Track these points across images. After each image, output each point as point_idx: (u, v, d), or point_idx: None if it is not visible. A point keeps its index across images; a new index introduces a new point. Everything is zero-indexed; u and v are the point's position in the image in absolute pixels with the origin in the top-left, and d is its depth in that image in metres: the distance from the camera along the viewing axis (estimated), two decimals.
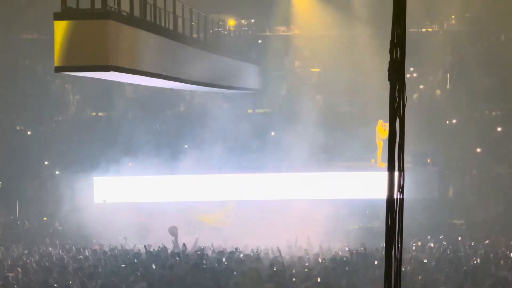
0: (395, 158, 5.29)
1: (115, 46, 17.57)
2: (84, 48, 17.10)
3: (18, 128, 36.88)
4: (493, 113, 36.24)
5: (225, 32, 30.33)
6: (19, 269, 20.68)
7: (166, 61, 21.83)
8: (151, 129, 33.99)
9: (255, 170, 31.41)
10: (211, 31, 27.59)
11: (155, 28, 20.55)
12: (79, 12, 17.07)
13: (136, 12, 19.29)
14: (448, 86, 35.06)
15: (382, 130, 30.99)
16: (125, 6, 18.45)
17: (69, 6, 16.82)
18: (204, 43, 25.86)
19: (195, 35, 25.13)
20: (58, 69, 17.45)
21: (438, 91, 35.47)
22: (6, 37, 35.69)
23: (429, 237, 27.23)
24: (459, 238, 27.43)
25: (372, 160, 31.71)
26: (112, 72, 18.24)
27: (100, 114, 37.37)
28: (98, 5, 17.20)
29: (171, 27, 22.13)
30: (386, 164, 5.38)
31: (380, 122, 31.21)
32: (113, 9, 17.64)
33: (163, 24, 21.34)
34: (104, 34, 17.11)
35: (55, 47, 17.11)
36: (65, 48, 17.00)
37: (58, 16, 16.94)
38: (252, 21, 38.68)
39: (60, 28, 17.01)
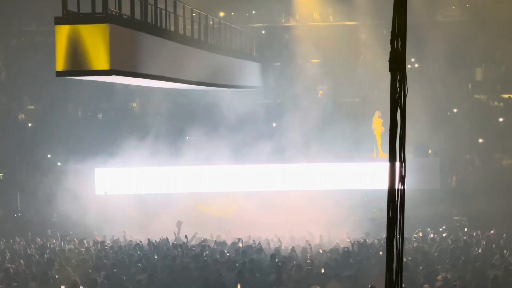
0: (396, 149, 5.29)
1: (117, 50, 17.55)
2: (86, 52, 17.07)
3: (19, 119, 36.90)
4: (495, 103, 36.23)
5: (225, 28, 30.22)
6: (21, 261, 20.71)
7: (167, 63, 21.80)
8: (152, 120, 33.97)
9: (256, 161, 31.41)
10: (212, 30, 27.47)
11: (156, 30, 20.52)
12: (80, 17, 17.01)
13: (137, 15, 19.25)
14: (449, 76, 34.99)
15: (378, 121, 31.06)
16: (125, 9, 18.42)
17: (70, 11, 16.76)
18: (205, 43, 25.84)
19: (196, 35, 25.07)
20: (60, 74, 17.43)
21: (439, 81, 35.39)
22: (6, 29, 35.69)
23: (430, 228, 27.27)
24: (461, 229, 27.46)
25: (374, 155, 31.76)
26: (113, 76, 18.25)
27: (102, 105, 37.36)
28: (99, 9, 17.16)
29: (172, 28, 22.08)
30: (387, 154, 5.39)
31: (377, 113, 31.28)
32: (114, 13, 17.60)
33: (164, 26, 21.30)
34: (105, 39, 17.07)
35: (57, 51, 17.09)
36: (66, 52, 16.98)
37: (59, 21, 16.91)
38: (253, 12, 38.65)
39: (62, 32, 16.98)
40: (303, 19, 36.75)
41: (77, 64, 17.15)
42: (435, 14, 36.71)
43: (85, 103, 36.61)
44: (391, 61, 5.32)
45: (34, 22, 37.10)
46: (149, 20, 20.03)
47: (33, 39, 37.12)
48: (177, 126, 33.75)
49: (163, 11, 21.27)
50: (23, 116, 37.43)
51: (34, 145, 34.27)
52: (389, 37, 5.34)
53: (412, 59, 36.13)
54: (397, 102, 5.29)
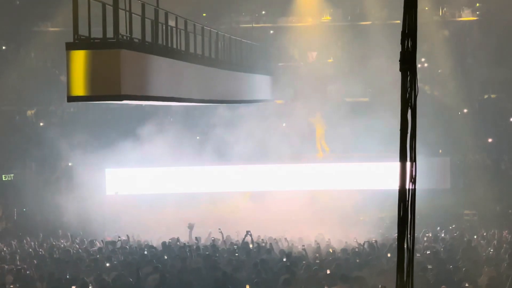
0: (407, 149, 5.29)
1: (128, 75, 17.60)
2: (97, 77, 17.11)
3: (29, 120, 36.98)
4: (506, 103, 36.14)
5: (236, 43, 30.14)
6: (32, 261, 20.78)
7: (178, 83, 21.82)
8: (163, 121, 34.00)
9: (266, 161, 31.40)
10: (222, 46, 27.41)
11: (167, 51, 20.56)
12: (92, 42, 17.09)
13: (148, 37, 19.32)
14: (459, 76, 34.92)
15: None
16: (136, 33, 18.45)
17: (82, 35, 16.83)
18: (216, 60, 25.89)
19: (207, 53, 25.06)
20: (72, 99, 17.50)
21: (449, 81, 35.35)
22: (18, 29, 35.81)
23: (440, 227, 27.21)
24: (471, 229, 27.38)
25: (320, 154, 31.88)
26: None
27: (112, 105, 37.40)
28: (110, 33, 17.24)
29: (182, 48, 22.14)
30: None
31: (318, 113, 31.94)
32: (125, 37, 17.67)
33: (175, 45, 21.35)
34: (116, 64, 17.09)
35: (68, 77, 17.17)
36: (78, 77, 17.01)
37: (70, 46, 16.99)
38: (263, 12, 38.69)
39: (73, 57, 17.03)
40: (313, 19, 36.76)
41: (89, 90, 17.17)
42: (445, 13, 36.64)
43: (95, 103, 36.62)
44: (402, 61, 5.33)
45: (45, 23, 37.19)
46: (159, 41, 20.07)
47: (44, 39, 37.19)
48: (187, 127, 33.77)
49: (174, 30, 21.29)
50: (33, 116, 37.52)
51: (45, 145, 34.32)
52: (400, 37, 5.35)
53: (422, 59, 36.05)
54: (408, 101, 5.29)
